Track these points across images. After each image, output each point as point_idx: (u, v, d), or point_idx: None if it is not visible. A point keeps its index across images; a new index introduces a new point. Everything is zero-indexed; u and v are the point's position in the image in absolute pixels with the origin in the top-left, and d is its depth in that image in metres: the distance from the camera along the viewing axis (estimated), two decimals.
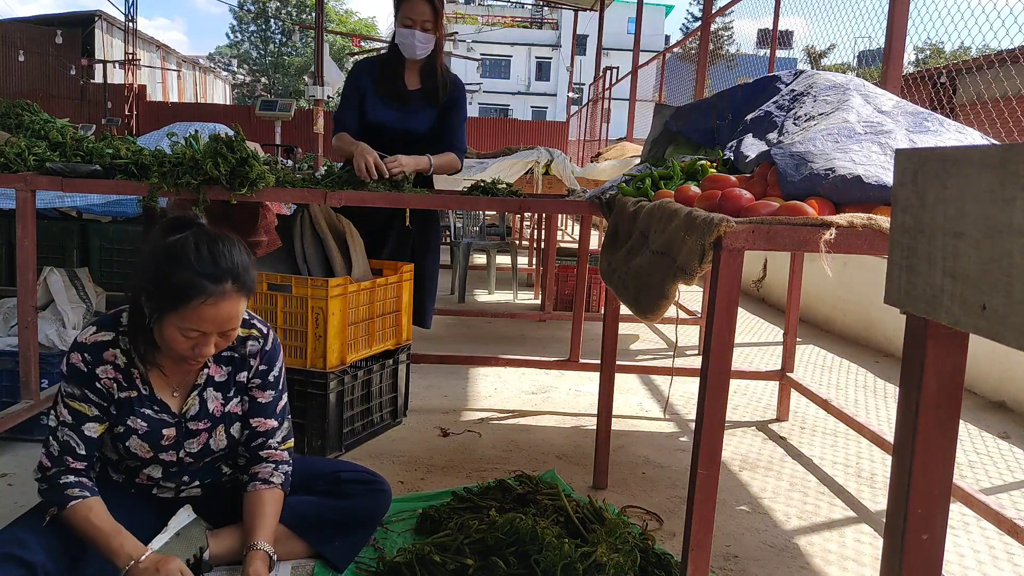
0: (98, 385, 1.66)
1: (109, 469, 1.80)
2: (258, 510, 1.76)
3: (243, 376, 1.81)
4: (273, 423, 1.84)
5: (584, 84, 19.19)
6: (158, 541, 1.69)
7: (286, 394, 1.90)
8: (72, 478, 1.62)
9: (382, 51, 3.21)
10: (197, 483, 1.84)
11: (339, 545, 1.88)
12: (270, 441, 1.83)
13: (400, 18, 2.89)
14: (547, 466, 2.68)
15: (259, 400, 1.83)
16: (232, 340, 1.67)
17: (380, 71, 3.03)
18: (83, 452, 1.65)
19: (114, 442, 1.71)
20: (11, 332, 2.78)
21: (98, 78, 20.88)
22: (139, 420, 1.69)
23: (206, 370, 1.77)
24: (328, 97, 7.58)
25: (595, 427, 2.59)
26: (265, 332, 1.84)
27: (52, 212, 4.32)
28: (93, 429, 1.66)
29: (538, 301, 6.10)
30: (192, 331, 1.57)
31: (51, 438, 1.65)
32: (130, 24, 20.28)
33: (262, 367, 1.82)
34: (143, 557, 1.56)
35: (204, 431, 1.77)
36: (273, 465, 1.82)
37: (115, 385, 1.68)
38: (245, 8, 43.15)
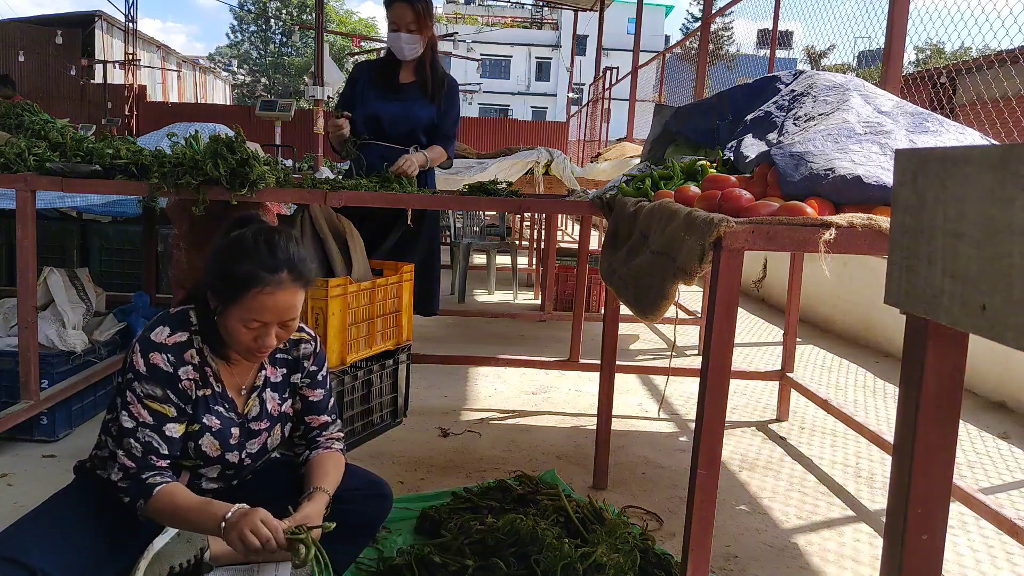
0: (180, 386, 1.68)
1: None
2: (321, 465, 1.83)
3: (296, 378, 1.89)
4: (326, 418, 1.93)
5: (584, 84, 19.16)
6: (159, 541, 1.69)
7: (333, 393, 1.99)
8: (158, 477, 1.64)
9: (382, 52, 3.34)
10: (237, 483, 1.87)
11: (339, 550, 1.88)
12: (324, 432, 1.93)
13: (388, 22, 3.09)
14: (547, 466, 2.68)
15: (311, 399, 1.91)
16: (292, 332, 1.72)
17: (378, 69, 3.21)
18: (165, 452, 1.66)
19: (186, 440, 1.73)
20: (11, 332, 2.78)
21: (98, 78, 20.85)
22: (213, 418, 1.73)
23: (264, 371, 1.82)
24: (328, 97, 7.58)
25: (595, 427, 2.59)
26: (313, 335, 1.93)
27: (52, 212, 4.32)
28: (174, 429, 1.67)
29: (538, 301, 6.10)
30: (253, 321, 1.62)
31: (130, 440, 1.63)
32: (130, 24, 20.27)
33: (312, 367, 1.91)
34: (229, 514, 1.58)
35: (264, 431, 1.83)
36: (334, 440, 1.93)
37: (194, 384, 1.71)
38: (245, 8, 43.15)
